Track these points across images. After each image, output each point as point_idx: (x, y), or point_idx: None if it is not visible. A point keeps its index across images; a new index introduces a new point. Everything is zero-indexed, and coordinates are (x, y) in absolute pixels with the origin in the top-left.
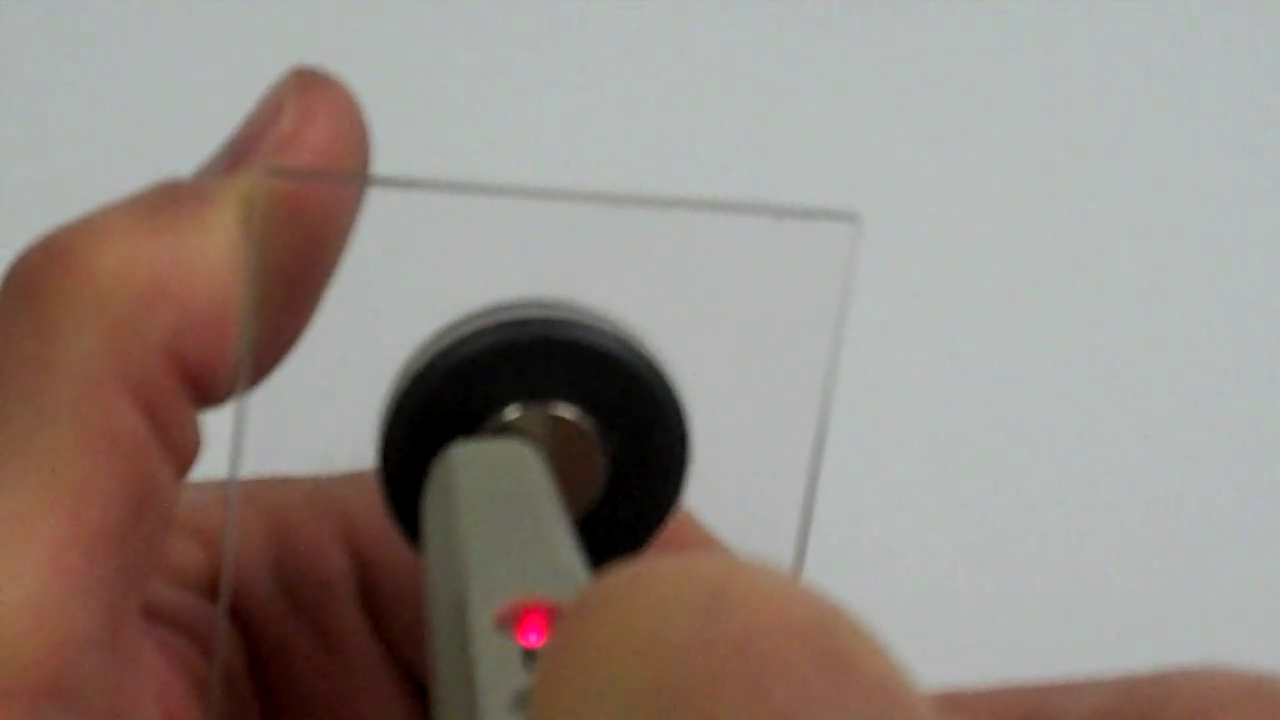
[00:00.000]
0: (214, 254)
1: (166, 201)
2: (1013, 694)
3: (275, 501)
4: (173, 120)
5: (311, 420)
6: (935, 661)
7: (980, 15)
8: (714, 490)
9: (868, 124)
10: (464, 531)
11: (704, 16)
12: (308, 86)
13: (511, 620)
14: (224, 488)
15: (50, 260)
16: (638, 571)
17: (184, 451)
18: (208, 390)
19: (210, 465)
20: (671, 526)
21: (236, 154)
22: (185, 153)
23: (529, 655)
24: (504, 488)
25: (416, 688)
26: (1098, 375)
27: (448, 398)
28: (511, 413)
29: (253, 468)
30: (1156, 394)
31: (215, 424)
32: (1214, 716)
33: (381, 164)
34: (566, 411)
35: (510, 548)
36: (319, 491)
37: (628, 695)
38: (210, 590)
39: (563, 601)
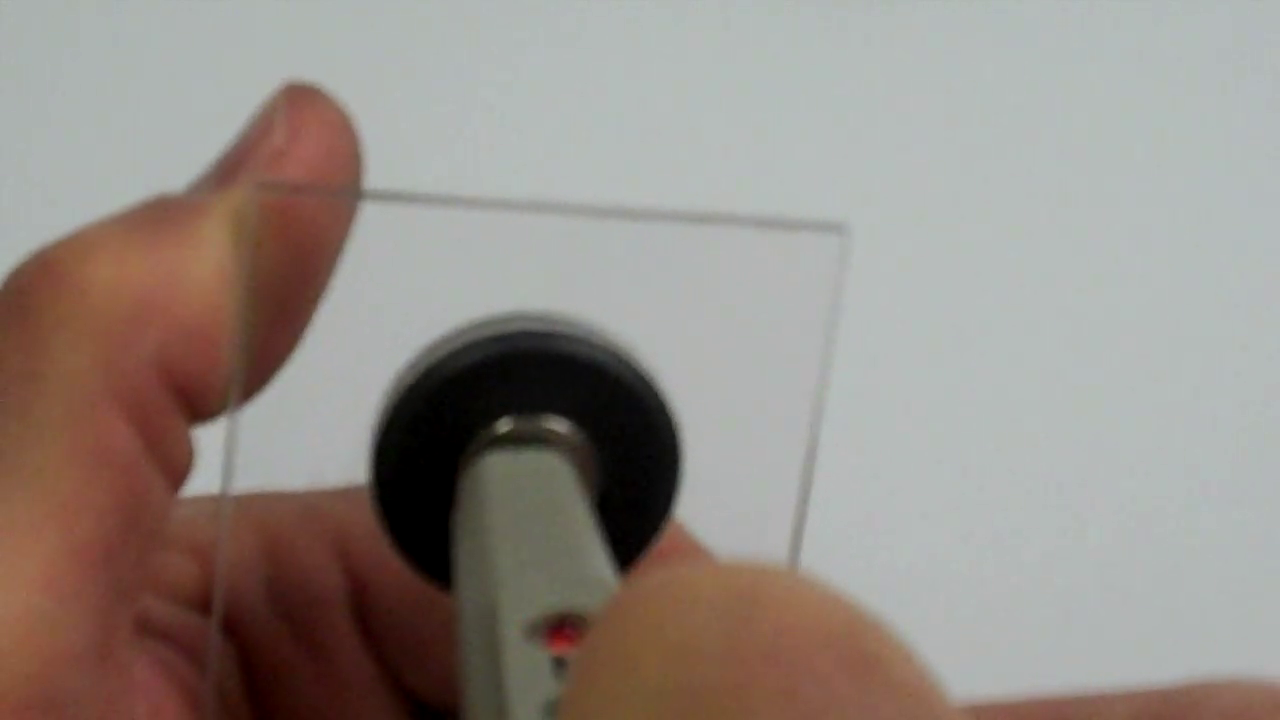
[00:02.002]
0: (206, 269)
1: (158, 216)
2: (1041, 705)
3: (268, 516)
4: (165, 135)
5: (304, 435)
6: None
7: (974, 20)
8: (706, 502)
9: (860, 133)
10: (495, 541)
11: (693, 28)
12: (299, 101)
13: (542, 630)
14: (217, 503)
15: (42, 275)
16: (667, 577)
17: (176, 466)
18: (200, 405)
19: (203, 480)
20: (664, 539)
21: (228, 169)
22: (178, 168)
23: (560, 664)
24: (535, 498)
25: (410, 702)
26: (1091, 383)
27: (439, 412)
28: (503, 426)
29: (245, 483)
30: (1154, 394)
31: (208, 439)
32: None
33: (373, 178)
34: (558, 425)
35: (541, 558)
36: (312, 506)
37: (656, 699)
38: (203, 605)
39: (593, 611)
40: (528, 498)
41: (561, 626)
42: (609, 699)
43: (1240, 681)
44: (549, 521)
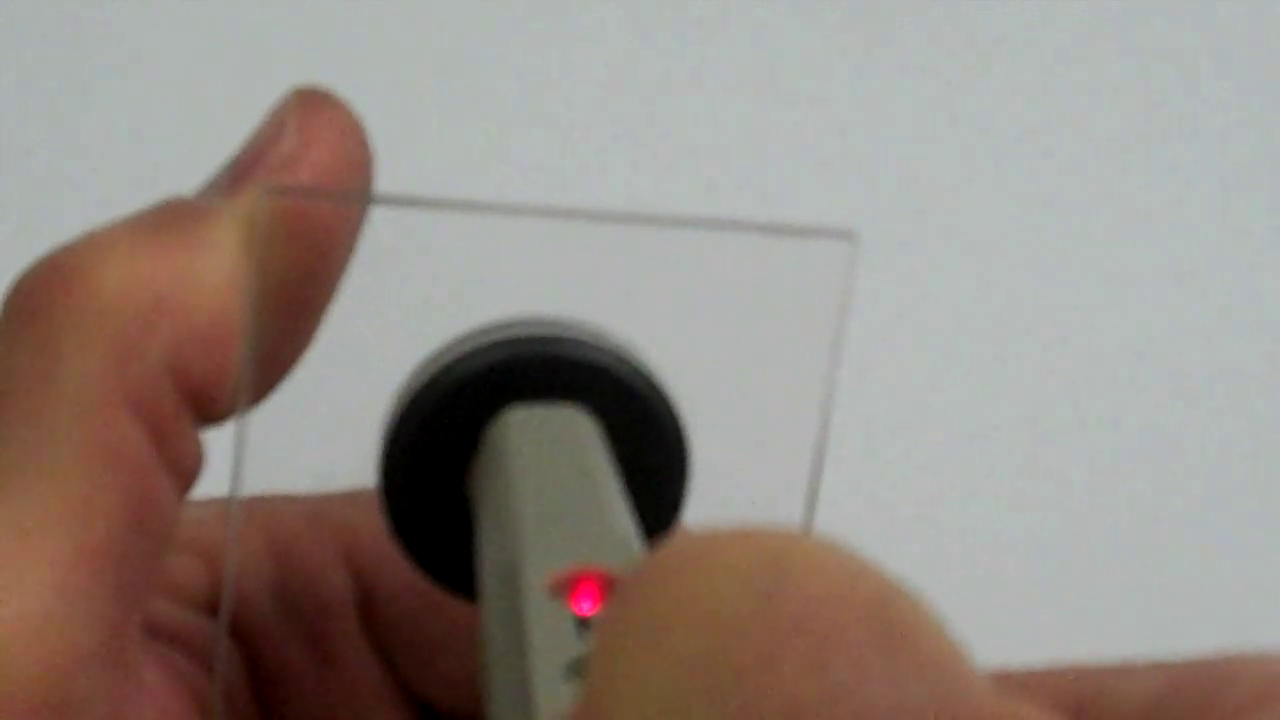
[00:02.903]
0: (216, 272)
1: (169, 220)
2: (1069, 674)
3: (276, 519)
4: (176, 139)
5: (312, 438)
6: None
7: (980, 26)
8: (713, 507)
9: (870, 141)
10: (518, 496)
11: (703, 34)
12: (310, 106)
13: (565, 587)
14: (225, 506)
15: (53, 278)
16: (699, 542)
17: (186, 468)
18: (209, 408)
19: (212, 483)
20: None
21: (238, 173)
22: (188, 171)
23: (582, 623)
24: (559, 453)
25: (417, 706)
26: (1096, 388)
27: (448, 415)
28: None
29: (254, 486)
30: (1155, 397)
31: (217, 442)
32: (1276, 701)
33: (383, 182)
34: None
35: (564, 514)
36: (320, 509)
37: (685, 666)
38: (211, 608)
39: (617, 570)
40: (551, 452)
41: (585, 584)
42: (636, 666)
43: (1270, 656)
44: (572, 477)
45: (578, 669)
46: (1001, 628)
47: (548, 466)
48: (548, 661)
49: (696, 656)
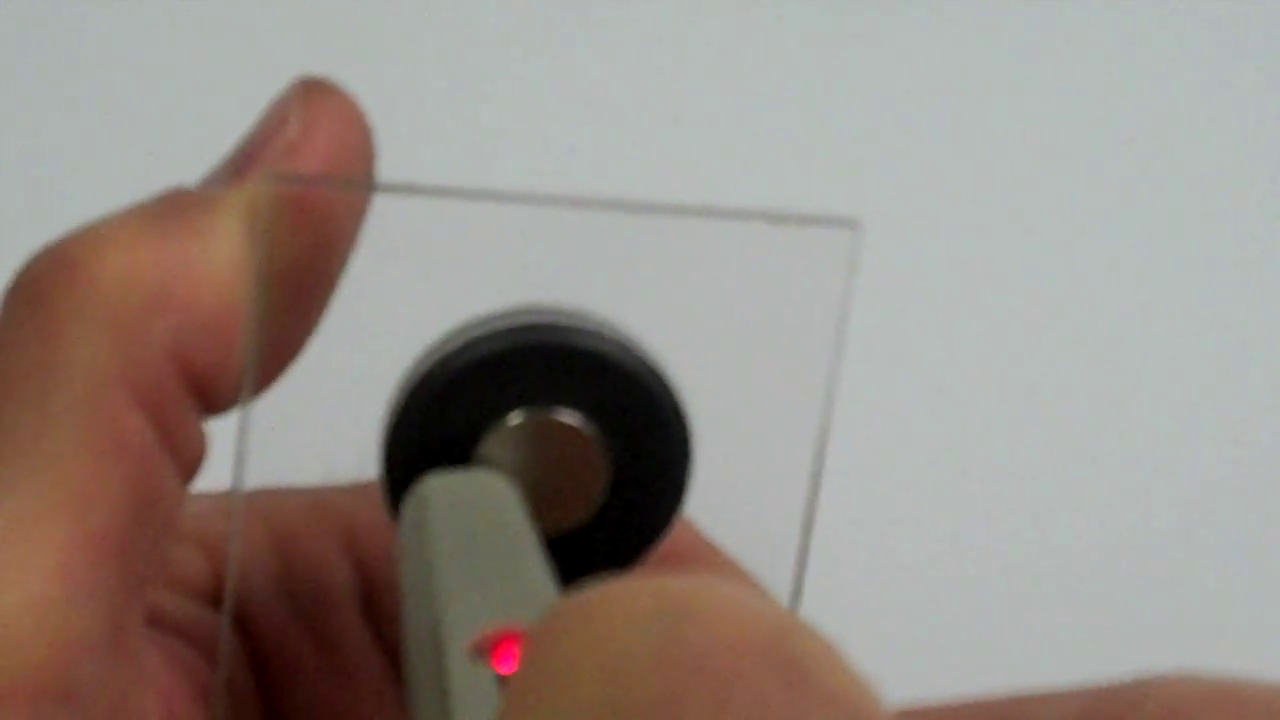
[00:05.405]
0: (219, 260)
1: (172, 208)
2: (980, 707)
3: (278, 511)
4: (179, 129)
5: (315, 429)
6: (936, 665)
7: (984, 19)
8: (715, 497)
9: (870, 128)
10: (437, 562)
11: (706, 22)
12: (313, 94)
13: (486, 648)
14: (227, 498)
15: (56, 267)
16: (599, 591)
17: (189, 457)
18: (213, 396)
19: (214, 475)
20: (672, 534)
21: (242, 162)
22: (192, 161)
23: (503, 682)
24: (476, 517)
25: None
26: (1099, 381)
27: (450, 405)
28: (514, 419)
29: (256, 478)
30: (1156, 400)
31: (219, 434)
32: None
33: (386, 170)
34: (569, 417)
35: (483, 577)
36: (322, 501)
37: (590, 712)
38: (215, 599)
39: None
40: (468, 517)
41: (506, 644)
42: (544, 714)
43: (1177, 678)
44: (490, 540)
45: None
46: (1000, 625)
47: (465, 531)
48: None
49: (601, 702)
